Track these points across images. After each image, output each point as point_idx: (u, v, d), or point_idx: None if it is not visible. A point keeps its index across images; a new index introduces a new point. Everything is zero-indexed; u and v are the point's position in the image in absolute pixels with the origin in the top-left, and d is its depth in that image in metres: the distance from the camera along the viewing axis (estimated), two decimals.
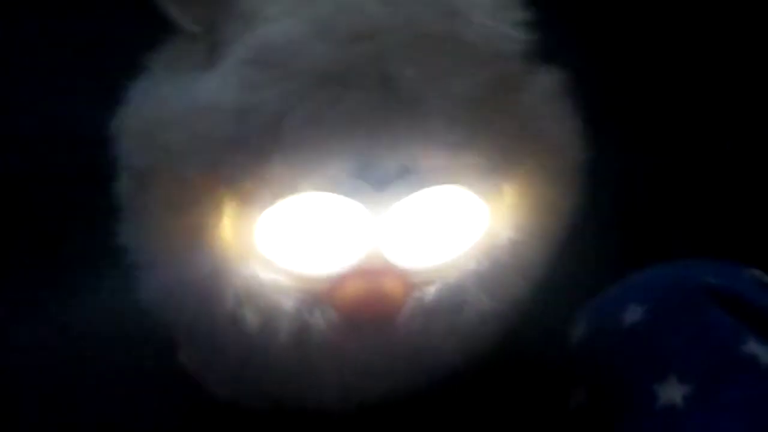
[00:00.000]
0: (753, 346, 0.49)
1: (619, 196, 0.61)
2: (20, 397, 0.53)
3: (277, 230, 0.43)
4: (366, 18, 0.41)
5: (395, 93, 0.41)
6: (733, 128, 0.70)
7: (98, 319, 0.55)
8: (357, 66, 0.40)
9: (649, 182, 0.66)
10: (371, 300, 0.44)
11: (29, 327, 0.55)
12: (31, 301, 0.55)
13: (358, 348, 0.45)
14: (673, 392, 0.48)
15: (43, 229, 0.58)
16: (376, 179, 0.42)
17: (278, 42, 0.41)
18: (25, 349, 0.54)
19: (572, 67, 0.46)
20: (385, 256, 0.44)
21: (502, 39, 0.43)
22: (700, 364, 0.48)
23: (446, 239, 0.46)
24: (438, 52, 0.41)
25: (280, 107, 0.40)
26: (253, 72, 0.41)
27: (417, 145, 0.41)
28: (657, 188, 0.67)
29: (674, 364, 0.49)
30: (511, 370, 0.54)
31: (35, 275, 0.56)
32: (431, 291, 0.45)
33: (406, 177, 0.42)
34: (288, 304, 0.44)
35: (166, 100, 0.43)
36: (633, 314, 0.51)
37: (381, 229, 0.44)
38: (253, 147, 0.41)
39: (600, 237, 0.55)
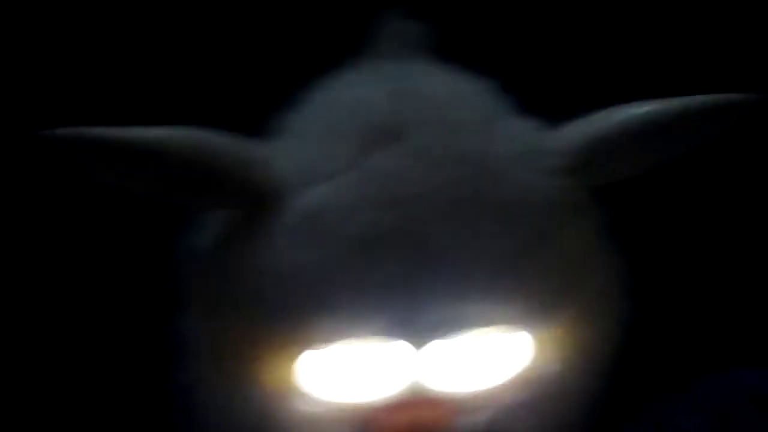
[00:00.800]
0: None
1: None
2: None
3: (321, 366, 0.46)
4: (404, 184, 0.44)
5: (432, 254, 0.43)
6: None
7: None
8: (394, 230, 0.43)
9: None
10: (415, 429, 0.45)
11: None
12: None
13: None
14: None
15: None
16: (417, 327, 0.44)
17: (324, 209, 0.44)
18: None
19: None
20: (428, 386, 0.46)
21: (538, 192, 0.45)
22: None
23: (490, 368, 0.47)
24: (474, 213, 0.44)
25: (323, 272, 0.43)
26: (299, 237, 0.44)
27: (457, 302, 0.44)
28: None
29: None
30: None
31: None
32: (477, 419, 0.47)
33: (448, 325, 0.44)
34: None
35: (229, 253, 0.46)
36: (691, 423, 0.52)
37: (424, 362, 0.45)
38: (300, 307, 0.44)
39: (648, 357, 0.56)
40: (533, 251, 0.45)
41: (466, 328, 0.45)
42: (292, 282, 0.44)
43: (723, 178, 0.67)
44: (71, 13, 0.64)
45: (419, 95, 0.47)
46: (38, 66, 0.64)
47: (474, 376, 0.47)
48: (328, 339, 0.44)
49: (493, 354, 0.47)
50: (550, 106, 0.48)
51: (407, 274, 0.43)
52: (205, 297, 0.48)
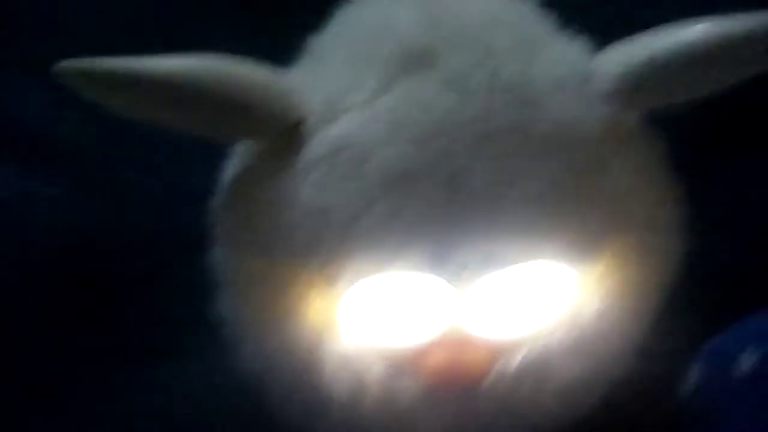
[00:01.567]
0: None
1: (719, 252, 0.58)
2: None
3: (362, 305, 0.45)
4: (436, 115, 0.41)
5: (467, 190, 0.41)
6: None
7: (201, 386, 0.57)
8: (427, 165, 0.41)
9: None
10: (453, 369, 0.44)
11: (135, 394, 0.57)
12: (138, 367, 0.58)
13: (443, 416, 0.46)
14: None
15: (142, 293, 0.60)
16: (454, 265, 0.42)
17: (351, 142, 0.42)
18: (128, 414, 0.57)
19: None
20: (468, 329, 0.44)
21: (582, 121, 0.42)
22: None
23: (531, 308, 0.45)
24: (512, 146, 0.41)
25: (352, 209, 0.41)
26: (328, 171, 0.42)
27: (494, 239, 0.42)
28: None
29: None
30: None
31: (137, 341, 0.59)
32: (516, 359, 0.45)
33: (486, 262, 0.42)
34: (374, 373, 0.45)
35: (254, 187, 0.45)
36: (748, 361, 0.50)
37: (464, 302, 0.44)
38: (328, 245, 0.42)
39: (702, 295, 0.53)
40: (577, 184, 0.42)
41: (504, 264, 0.42)
42: (320, 217, 0.42)
43: None
44: None
45: (453, 17, 0.44)
46: None
47: (515, 318, 0.45)
48: (359, 275, 0.43)
49: (535, 294, 0.45)
50: (599, 23, 0.44)
51: (441, 209, 0.41)
52: (231, 231, 0.46)
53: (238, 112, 0.42)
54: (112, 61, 0.41)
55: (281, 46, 0.46)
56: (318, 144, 0.42)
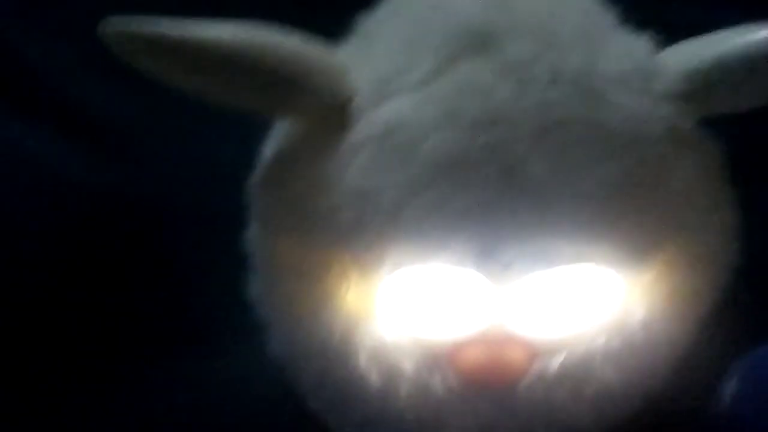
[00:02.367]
0: None
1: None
2: None
3: (401, 295, 0.43)
4: (494, 103, 0.39)
5: (520, 184, 0.39)
6: None
7: (232, 374, 0.55)
8: (481, 154, 0.39)
9: None
10: (491, 367, 0.43)
11: (164, 385, 0.56)
12: (165, 357, 0.56)
13: (476, 412, 0.45)
14: None
15: (168, 273, 0.58)
16: (500, 260, 0.41)
17: (402, 125, 0.40)
18: (158, 407, 0.55)
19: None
20: (508, 326, 0.43)
21: (645, 119, 0.41)
22: None
23: (575, 312, 0.44)
24: (571, 140, 0.39)
25: (400, 193, 0.40)
26: (376, 153, 0.40)
27: (544, 236, 0.40)
28: None
29: None
30: None
31: (168, 326, 0.57)
32: (556, 361, 0.44)
33: (533, 259, 0.41)
34: (409, 365, 0.44)
35: (296, 166, 0.43)
36: None
37: (505, 300, 0.42)
38: (372, 229, 0.40)
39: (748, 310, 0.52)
40: (634, 185, 0.40)
41: (551, 263, 0.41)
42: (365, 200, 0.40)
43: None
44: None
45: (514, 3, 0.42)
46: None
47: (557, 319, 0.44)
48: (400, 264, 0.41)
49: (580, 297, 0.43)
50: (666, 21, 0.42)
51: (491, 201, 0.39)
52: (269, 211, 0.45)
53: (285, 85, 0.40)
54: (160, 22, 0.39)
55: (334, 23, 0.44)
56: (366, 125, 0.41)
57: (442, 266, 0.41)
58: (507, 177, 0.39)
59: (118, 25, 0.39)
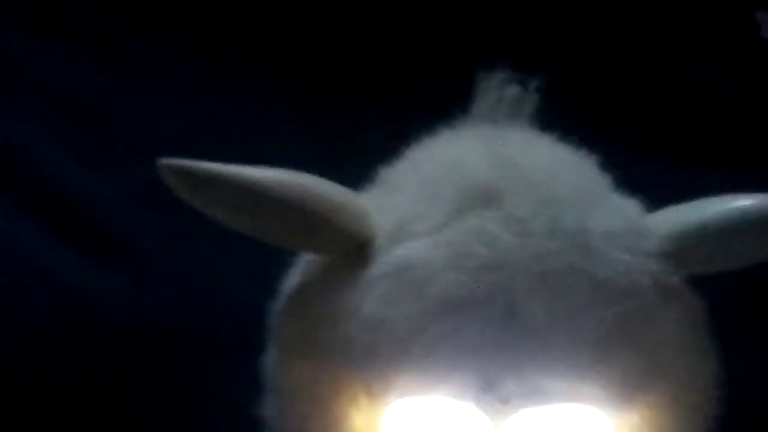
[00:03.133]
0: None
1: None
2: None
3: (405, 424, 0.46)
4: (498, 250, 0.44)
5: (519, 324, 0.43)
6: None
7: None
8: (485, 295, 0.43)
9: None
10: None
11: None
12: None
13: None
14: None
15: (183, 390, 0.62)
16: (499, 395, 0.44)
17: (415, 264, 0.44)
18: None
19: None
20: None
21: (634, 273, 0.45)
22: None
23: None
24: (566, 287, 0.43)
25: (411, 325, 0.43)
26: (390, 288, 0.44)
27: (540, 374, 0.43)
28: None
29: None
30: None
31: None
32: None
33: (529, 395, 0.44)
34: None
35: (317, 296, 0.47)
36: None
37: None
38: (384, 357, 0.44)
39: None
40: (624, 330, 0.44)
41: (545, 400, 0.44)
42: (380, 329, 0.44)
43: None
44: None
45: (519, 164, 0.47)
46: None
47: None
48: (408, 392, 0.44)
49: None
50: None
51: (493, 338, 0.43)
52: (288, 337, 0.48)
53: (316, 227, 0.45)
54: (212, 164, 0.44)
55: (358, 174, 0.49)
56: (384, 262, 0.45)
57: (443, 399, 0.44)
58: (508, 317, 0.43)
59: (176, 162, 0.44)
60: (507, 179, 0.46)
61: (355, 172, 0.49)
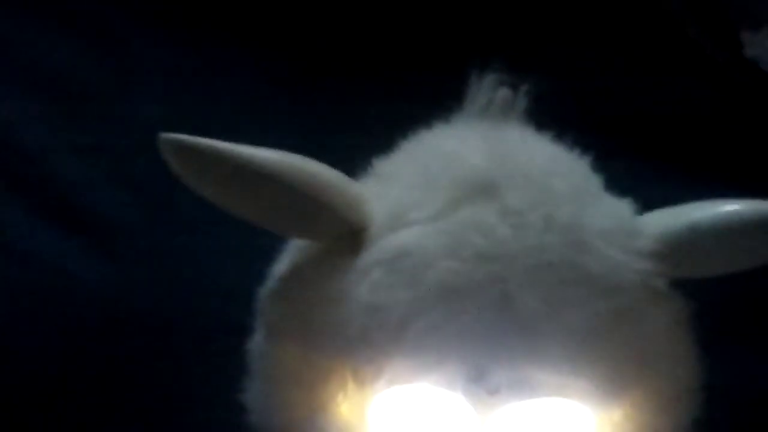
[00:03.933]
0: None
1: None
2: None
3: (391, 413, 0.46)
4: (494, 241, 0.44)
5: (513, 314, 0.43)
6: None
7: None
8: (479, 284, 0.43)
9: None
10: None
11: None
12: None
13: None
14: None
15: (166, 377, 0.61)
16: (488, 385, 0.44)
17: (411, 252, 0.44)
18: None
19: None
20: None
21: (625, 271, 0.45)
22: None
23: None
24: (559, 280, 0.44)
25: (406, 311, 0.44)
26: (386, 274, 0.44)
27: (530, 364, 0.44)
28: None
29: None
30: None
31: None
32: None
33: (518, 387, 0.44)
34: None
35: (309, 281, 0.47)
36: None
37: (485, 429, 0.45)
38: (377, 342, 0.44)
39: None
40: (612, 325, 0.45)
41: (533, 393, 0.44)
42: (373, 315, 0.44)
43: None
44: None
45: (516, 157, 0.48)
46: None
47: None
48: (396, 379, 0.44)
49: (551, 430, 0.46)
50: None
51: (486, 327, 0.43)
52: (278, 322, 0.48)
53: (312, 209, 0.45)
54: (213, 141, 0.44)
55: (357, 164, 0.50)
56: (380, 249, 0.45)
57: (432, 388, 0.45)
58: (501, 307, 0.43)
59: (178, 137, 0.43)
60: (504, 172, 0.46)
61: (347, 162, 0.49)
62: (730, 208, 0.46)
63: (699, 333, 0.49)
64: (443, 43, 0.67)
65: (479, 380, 0.44)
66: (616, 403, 0.46)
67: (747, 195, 0.46)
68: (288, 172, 0.44)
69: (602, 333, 0.44)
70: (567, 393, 0.45)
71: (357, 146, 0.51)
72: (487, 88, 0.53)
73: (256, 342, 0.49)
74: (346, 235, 0.46)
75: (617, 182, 0.49)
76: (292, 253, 0.50)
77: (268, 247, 0.50)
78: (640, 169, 0.63)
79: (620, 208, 0.48)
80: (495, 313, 0.43)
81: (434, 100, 0.51)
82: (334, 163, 0.47)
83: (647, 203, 0.49)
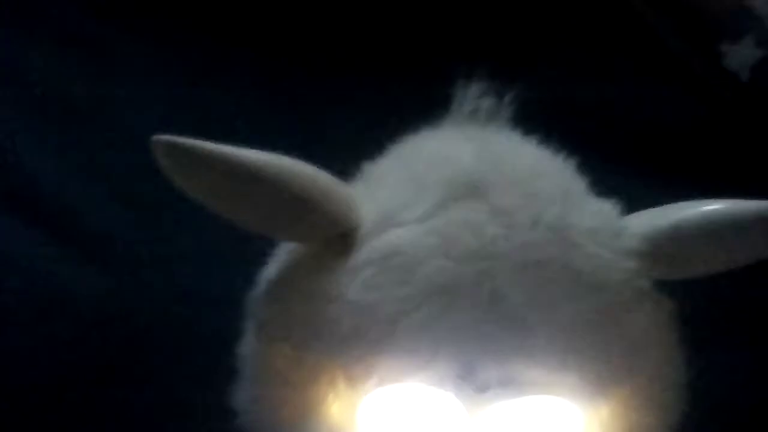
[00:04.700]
0: None
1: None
2: None
3: (380, 412, 0.46)
4: (483, 240, 0.45)
5: (503, 311, 0.44)
6: None
7: None
8: (470, 282, 0.44)
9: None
10: None
11: None
12: None
13: None
14: None
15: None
16: (478, 382, 0.45)
17: (402, 251, 0.45)
18: None
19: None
20: None
21: (611, 269, 0.46)
22: None
23: None
24: (547, 278, 0.45)
25: (397, 309, 0.44)
26: (377, 273, 0.45)
27: (519, 360, 0.44)
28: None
29: None
30: None
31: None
32: None
33: (507, 384, 0.45)
34: None
35: (300, 281, 0.47)
36: None
37: (475, 427, 0.45)
38: (368, 341, 0.45)
39: None
40: (599, 323, 0.45)
41: (522, 390, 0.45)
42: (365, 312, 0.45)
43: None
44: None
45: (504, 159, 0.49)
46: None
47: None
48: (387, 378, 0.45)
49: (542, 428, 0.46)
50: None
51: (476, 324, 0.44)
52: (269, 323, 0.49)
53: (302, 210, 0.45)
54: (205, 142, 0.44)
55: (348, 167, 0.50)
56: (370, 249, 0.46)
57: (422, 387, 0.45)
58: (490, 304, 0.44)
59: (172, 139, 0.44)
60: (493, 173, 0.47)
61: (337, 165, 0.49)
62: (714, 207, 0.47)
63: (686, 333, 0.50)
64: (434, 49, 0.68)
65: (469, 378, 0.45)
66: (603, 400, 0.47)
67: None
68: (279, 174, 0.45)
69: (590, 330, 0.45)
70: (556, 390, 0.45)
71: (347, 149, 0.51)
72: (473, 95, 0.54)
73: (247, 344, 0.50)
74: (337, 237, 0.46)
75: (601, 187, 0.50)
76: (281, 256, 0.50)
77: (257, 254, 0.50)
78: (624, 175, 0.63)
79: (606, 208, 0.49)
80: (484, 311, 0.44)
81: (424, 105, 0.52)
82: (324, 166, 0.47)
83: (631, 207, 0.50)
